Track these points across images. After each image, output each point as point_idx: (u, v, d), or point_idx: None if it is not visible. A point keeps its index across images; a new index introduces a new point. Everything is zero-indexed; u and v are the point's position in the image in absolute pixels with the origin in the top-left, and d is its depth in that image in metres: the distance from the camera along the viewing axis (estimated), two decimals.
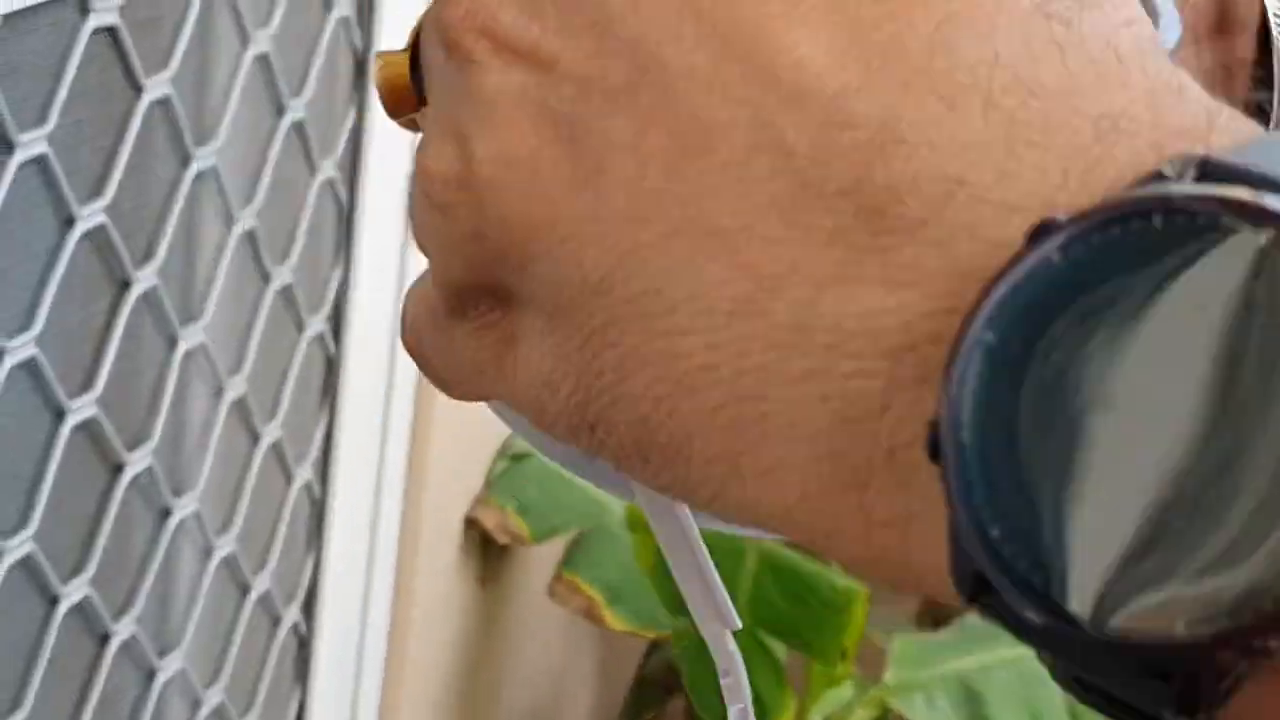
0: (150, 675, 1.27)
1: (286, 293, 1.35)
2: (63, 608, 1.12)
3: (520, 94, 0.35)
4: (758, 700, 1.58)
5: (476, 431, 1.75)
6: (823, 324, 0.32)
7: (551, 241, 0.35)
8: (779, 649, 1.57)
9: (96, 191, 1.07)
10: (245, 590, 1.40)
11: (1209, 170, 0.30)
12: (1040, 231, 0.30)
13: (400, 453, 1.59)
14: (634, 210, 0.34)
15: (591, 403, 0.36)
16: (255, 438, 1.36)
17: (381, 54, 0.41)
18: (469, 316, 0.38)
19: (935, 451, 0.30)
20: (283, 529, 1.43)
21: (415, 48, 0.40)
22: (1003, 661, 1.62)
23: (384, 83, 0.41)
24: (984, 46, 0.33)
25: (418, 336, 0.41)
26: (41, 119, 1.00)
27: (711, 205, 0.34)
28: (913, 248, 0.32)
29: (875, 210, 0.32)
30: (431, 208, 0.37)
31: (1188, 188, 0.29)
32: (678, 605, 1.58)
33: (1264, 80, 0.54)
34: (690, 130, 0.34)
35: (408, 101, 0.41)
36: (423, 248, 0.38)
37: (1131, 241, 0.30)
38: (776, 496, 0.34)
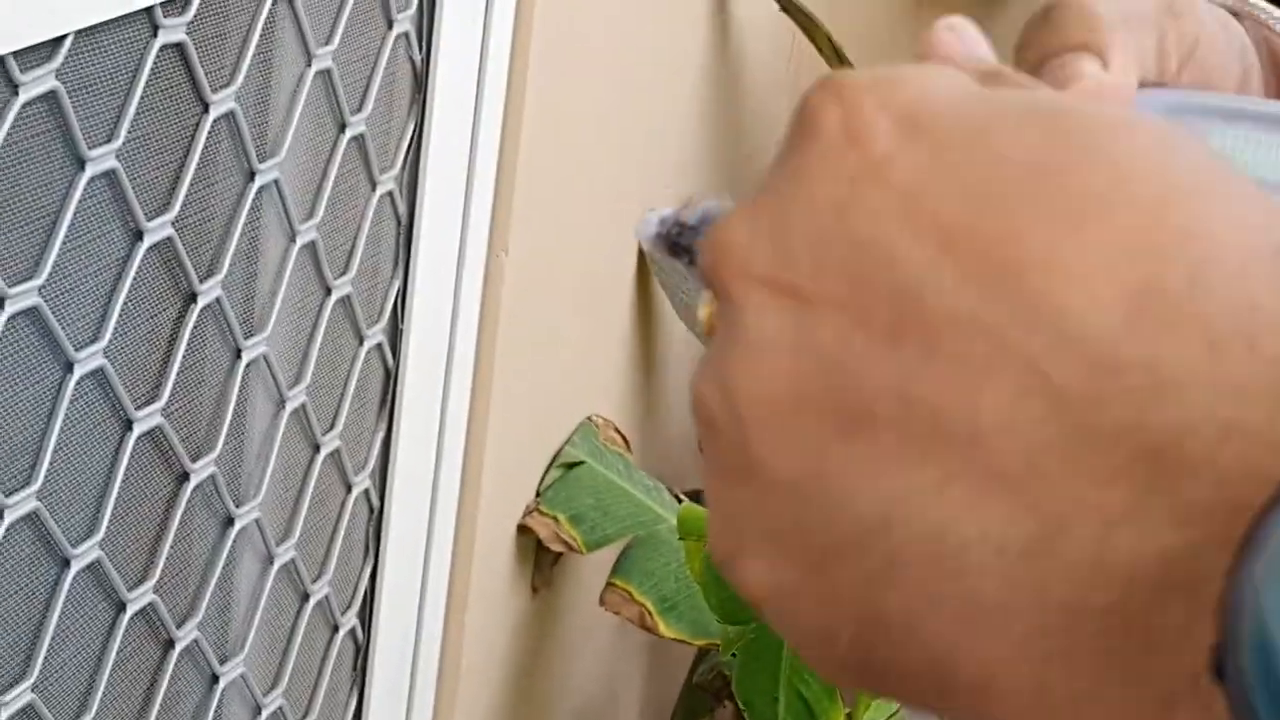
0: (213, 680, 1.29)
1: (346, 304, 1.37)
2: (129, 613, 1.14)
3: (779, 333, 0.37)
4: (807, 712, 1.59)
5: (530, 441, 1.77)
6: (1119, 560, 0.34)
7: (820, 484, 0.36)
8: None
9: (164, 205, 1.09)
10: (304, 597, 1.42)
11: None
12: None
13: (455, 462, 1.61)
14: (906, 454, 0.35)
15: (878, 647, 0.37)
16: (315, 447, 1.38)
17: (704, 298, 0.42)
18: (733, 558, 0.39)
19: (1219, 671, 0.32)
20: (341, 537, 1.45)
21: None
22: None
23: (706, 322, 0.42)
24: (1240, 290, 0.34)
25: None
26: (111, 134, 1.02)
27: (988, 449, 0.35)
28: (1195, 488, 0.33)
29: (1154, 451, 0.33)
30: (708, 441, 0.38)
31: None
32: (728, 614, 1.59)
33: None
34: (958, 375, 0.35)
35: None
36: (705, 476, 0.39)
37: None
38: None
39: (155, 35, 1.04)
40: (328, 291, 1.34)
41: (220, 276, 1.16)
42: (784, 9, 2.10)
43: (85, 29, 0.97)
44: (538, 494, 1.79)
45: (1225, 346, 0.34)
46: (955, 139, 0.37)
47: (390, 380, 1.48)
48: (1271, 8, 0.60)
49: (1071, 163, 0.36)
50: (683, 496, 1.85)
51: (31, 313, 0.98)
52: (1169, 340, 0.34)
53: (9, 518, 0.99)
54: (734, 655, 1.61)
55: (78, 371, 1.03)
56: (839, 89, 0.38)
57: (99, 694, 1.13)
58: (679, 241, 0.48)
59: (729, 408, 0.37)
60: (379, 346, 1.45)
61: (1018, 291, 0.35)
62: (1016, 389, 0.34)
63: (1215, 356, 0.34)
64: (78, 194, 0.99)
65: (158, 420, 1.13)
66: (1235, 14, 0.60)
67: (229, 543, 1.26)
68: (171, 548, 1.18)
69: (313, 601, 1.42)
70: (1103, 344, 0.34)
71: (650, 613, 1.74)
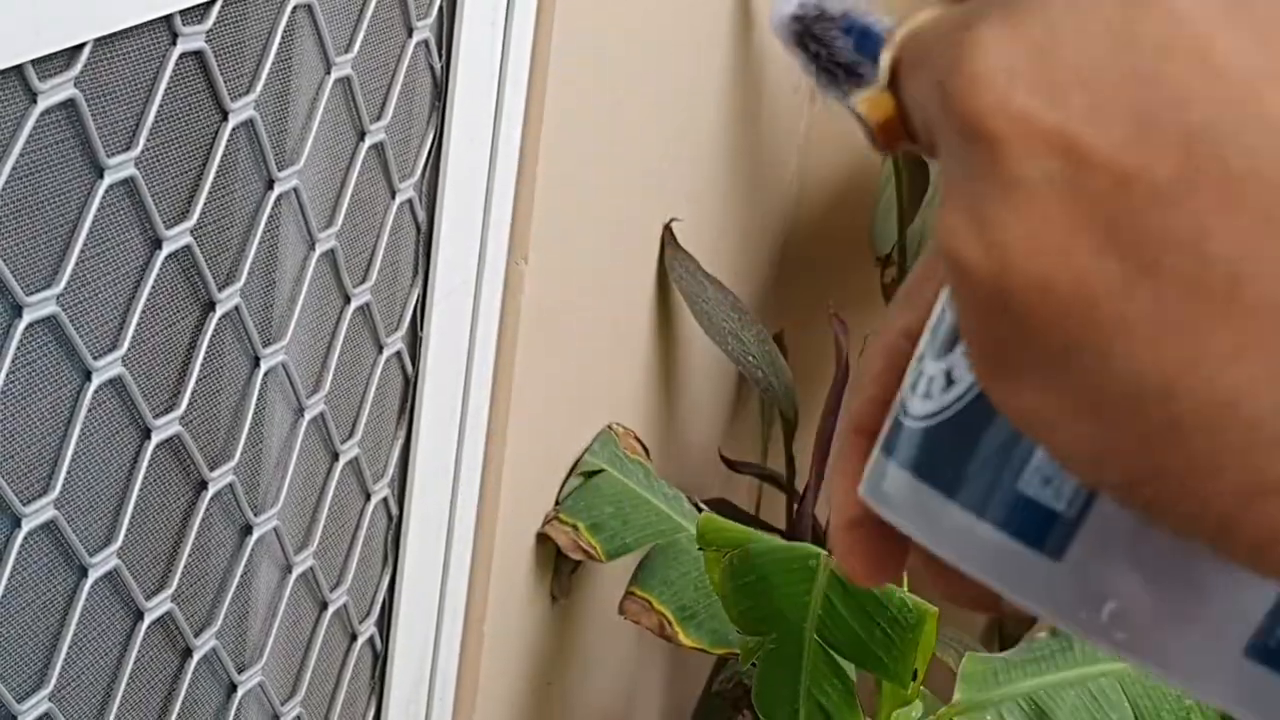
0: (231, 688, 1.29)
1: (365, 312, 1.37)
2: (146, 621, 1.14)
3: (1050, 181, 0.34)
4: None
5: (549, 449, 1.77)
6: None
7: (1098, 340, 0.34)
8: (850, 667, 1.58)
9: (182, 213, 1.09)
10: (323, 605, 1.41)
11: None
12: None
13: (474, 470, 1.60)
14: (1198, 317, 0.33)
15: (1159, 494, 0.35)
16: (334, 455, 1.38)
17: (860, 95, 0.40)
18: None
19: None
20: (359, 545, 1.45)
21: (894, 84, 0.39)
22: (1072, 680, 1.62)
23: (876, 124, 0.39)
24: None
25: None
26: (130, 142, 1.02)
27: None
28: None
29: None
30: (965, 292, 0.36)
31: None
32: (747, 624, 1.59)
33: None
34: (1264, 235, 0.33)
35: (900, 137, 0.40)
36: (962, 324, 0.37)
37: None
38: None
39: (174, 43, 1.04)
40: (347, 299, 1.34)
41: (239, 285, 1.16)
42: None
43: (104, 37, 0.97)
44: (557, 502, 1.79)
45: None
46: None
47: (409, 388, 1.48)
48: None
49: None
50: (702, 505, 1.84)
51: (50, 321, 0.98)
52: None
53: (26, 526, 0.99)
54: (753, 664, 1.60)
55: (96, 380, 1.03)
56: None
57: (116, 702, 1.12)
58: (813, 30, 0.45)
59: (995, 259, 0.34)
60: (398, 354, 1.45)
61: None
62: None
63: None
64: (96, 202, 0.99)
65: (176, 429, 1.12)
66: None
67: (247, 551, 1.26)
68: (189, 556, 1.18)
69: (331, 610, 1.42)
70: None
71: (670, 622, 1.74)
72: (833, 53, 0.44)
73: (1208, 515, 0.34)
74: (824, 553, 1.55)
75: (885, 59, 0.39)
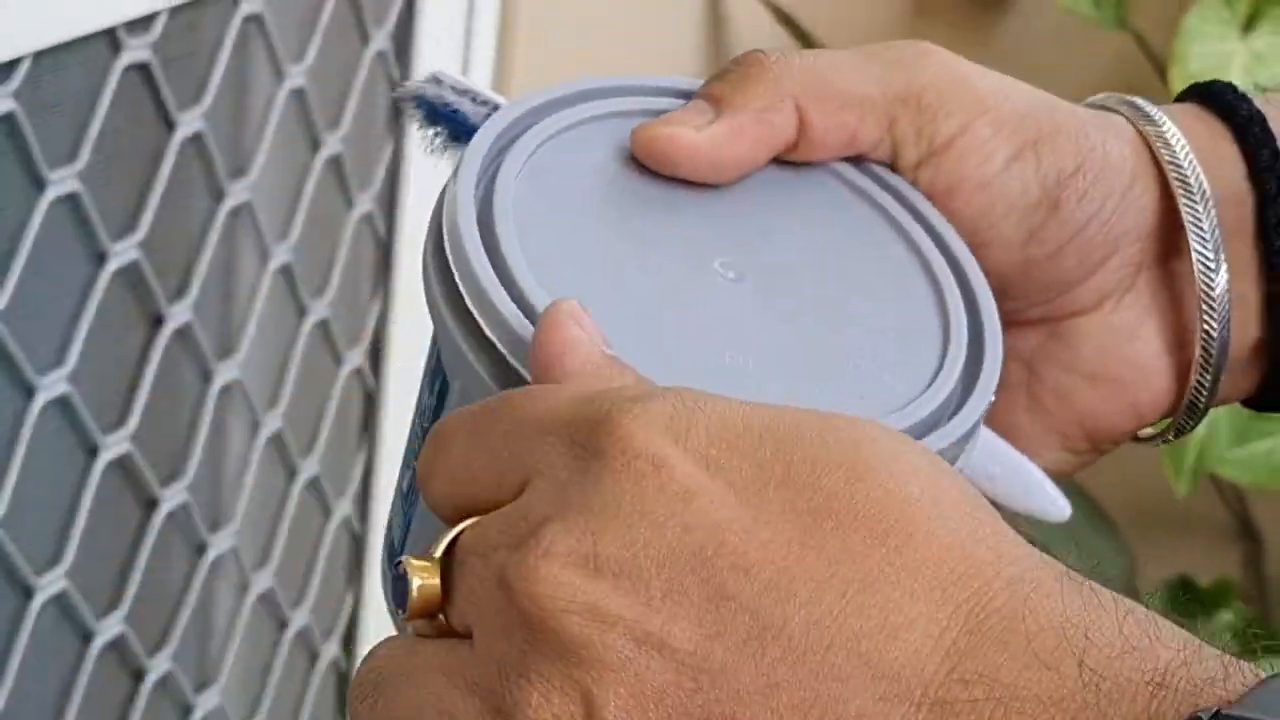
0: (187, 711, 1.27)
1: (324, 327, 1.35)
2: (97, 644, 1.12)
3: (638, 656, 0.38)
4: None
5: None
6: None
7: None
8: None
9: (129, 228, 1.07)
10: (283, 626, 1.39)
11: None
12: None
13: None
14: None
15: None
16: (293, 473, 1.36)
17: (413, 561, 0.42)
18: None
19: None
20: (321, 564, 1.43)
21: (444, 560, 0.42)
22: None
23: (422, 592, 0.42)
24: (1056, 607, 0.39)
25: None
26: (73, 156, 1.00)
27: None
28: None
29: None
30: None
31: None
32: None
33: None
34: (824, 688, 0.38)
35: (434, 606, 0.42)
36: None
37: None
38: None
39: (118, 55, 1.02)
40: (304, 314, 1.32)
41: (190, 299, 1.14)
42: (781, 20, 2.08)
43: (45, 49, 0.95)
44: None
45: (1056, 663, 0.37)
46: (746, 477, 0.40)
47: (371, 404, 1.46)
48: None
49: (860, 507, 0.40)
50: None
51: None
52: (1005, 657, 0.37)
53: None
54: None
55: (40, 398, 1.01)
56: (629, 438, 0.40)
57: None
58: (443, 108, 0.53)
59: None
60: (358, 370, 1.43)
61: (869, 600, 0.39)
62: (878, 696, 0.37)
63: (1047, 674, 0.37)
64: (38, 217, 0.97)
65: (126, 447, 1.10)
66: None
67: (203, 571, 1.24)
68: (143, 577, 1.16)
69: (292, 630, 1.40)
70: (952, 657, 0.37)
71: None
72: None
73: None
74: None
75: (447, 537, 0.42)
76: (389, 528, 0.56)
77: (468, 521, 0.42)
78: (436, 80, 0.55)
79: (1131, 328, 0.58)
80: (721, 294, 0.51)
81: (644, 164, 0.54)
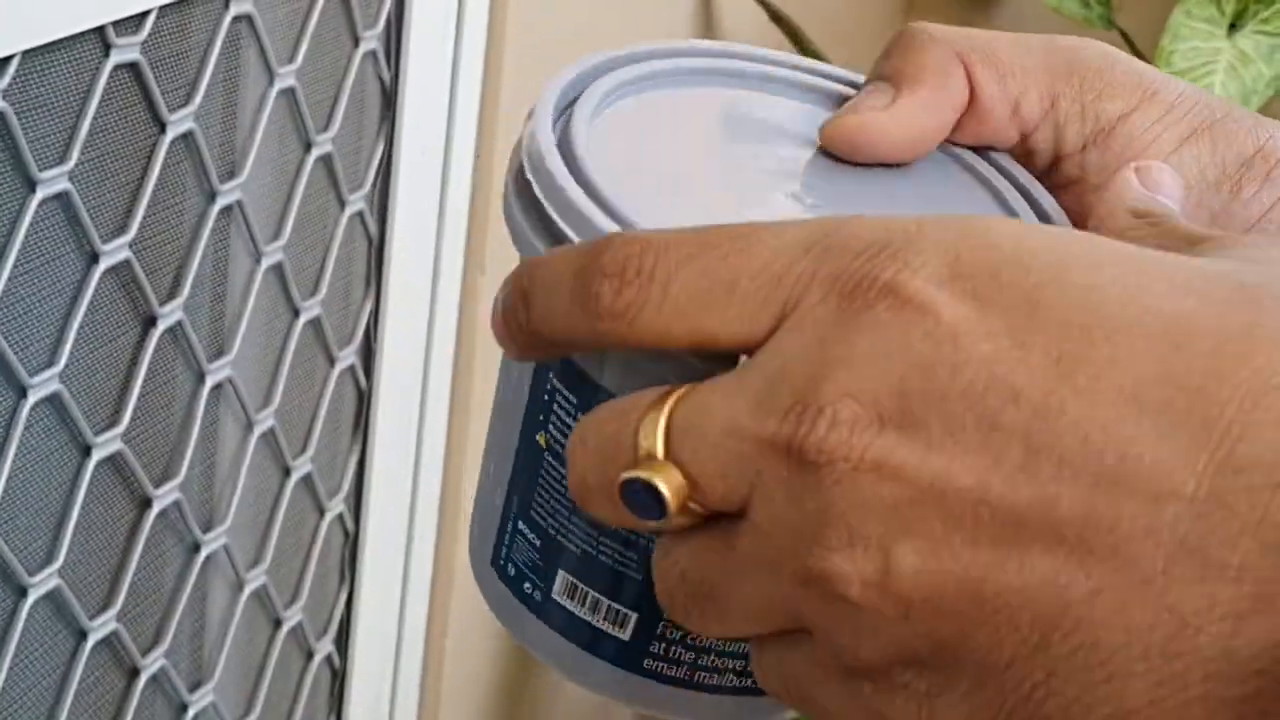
0: (181, 709, 1.27)
1: (316, 326, 1.36)
2: (90, 642, 1.12)
3: (908, 507, 0.39)
4: None
5: None
6: (1250, 652, 0.37)
7: (985, 615, 0.39)
8: None
9: (120, 227, 1.07)
10: (277, 623, 1.40)
11: None
12: None
13: (434, 484, 1.59)
14: (1059, 575, 0.38)
15: None
16: (286, 471, 1.36)
17: (639, 475, 0.42)
18: (876, 680, 0.41)
19: None
20: (315, 562, 1.43)
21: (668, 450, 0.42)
22: None
23: (674, 495, 0.42)
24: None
25: (802, 693, 0.43)
26: (63, 156, 1.00)
27: (1131, 558, 0.37)
28: None
29: (1277, 545, 0.36)
30: (844, 604, 0.40)
31: None
32: None
33: None
34: (1098, 492, 0.38)
35: (689, 502, 0.42)
36: (825, 629, 0.41)
37: None
38: None
39: (108, 55, 1.02)
40: (296, 313, 1.32)
41: (182, 299, 1.15)
42: (773, 19, 2.08)
43: (34, 48, 0.95)
44: None
45: None
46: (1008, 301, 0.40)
47: (364, 403, 1.47)
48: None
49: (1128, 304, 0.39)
50: None
51: None
52: None
53: None
54: None
55: (32, 397, 1.01)
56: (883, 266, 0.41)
57: None
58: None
59: (892, 581, 0.39)
60: (351, 369, 1.43)
61: (1138, 405, 0.38)
62: (1151, 496, 0.37)
63: None
64: (29, 217, 0.98)
65: (118, 446, 1.11)
66: None
67: (196, 569, 1.24)
68: (136, 575, 1.16)
69: (286, 628, 1.40)
70: (1225, 445, 0.37)
71: None
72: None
73: None
74: None
75: (660, 423, 0.42)
76: (489, 497, 0.55)
77: (672, 400, 0.42)
78: None
79: None
80: None
81: (839, 157, 0.54)
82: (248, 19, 1.17)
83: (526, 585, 0.49)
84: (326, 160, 1.32)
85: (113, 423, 1.11)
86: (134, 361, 1.12)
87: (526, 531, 0.50)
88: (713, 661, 0.48)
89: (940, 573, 0.39)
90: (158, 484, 1.17)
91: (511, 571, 0.50)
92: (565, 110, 0.53)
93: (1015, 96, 0.54)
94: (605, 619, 0.48)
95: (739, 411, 0.41)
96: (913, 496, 0.39)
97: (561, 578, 0.48)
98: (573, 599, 0.48)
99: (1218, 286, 0.39)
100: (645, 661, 0.48)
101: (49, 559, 1.07)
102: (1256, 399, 0.37)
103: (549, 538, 0.49)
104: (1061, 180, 0.56)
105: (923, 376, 0.39)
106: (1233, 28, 1.72)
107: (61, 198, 1.01)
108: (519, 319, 0.46)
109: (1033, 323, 0.39)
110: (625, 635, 0.48)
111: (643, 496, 0.41)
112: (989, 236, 0.40)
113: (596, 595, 0.48)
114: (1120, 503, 0.37)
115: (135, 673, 1.19)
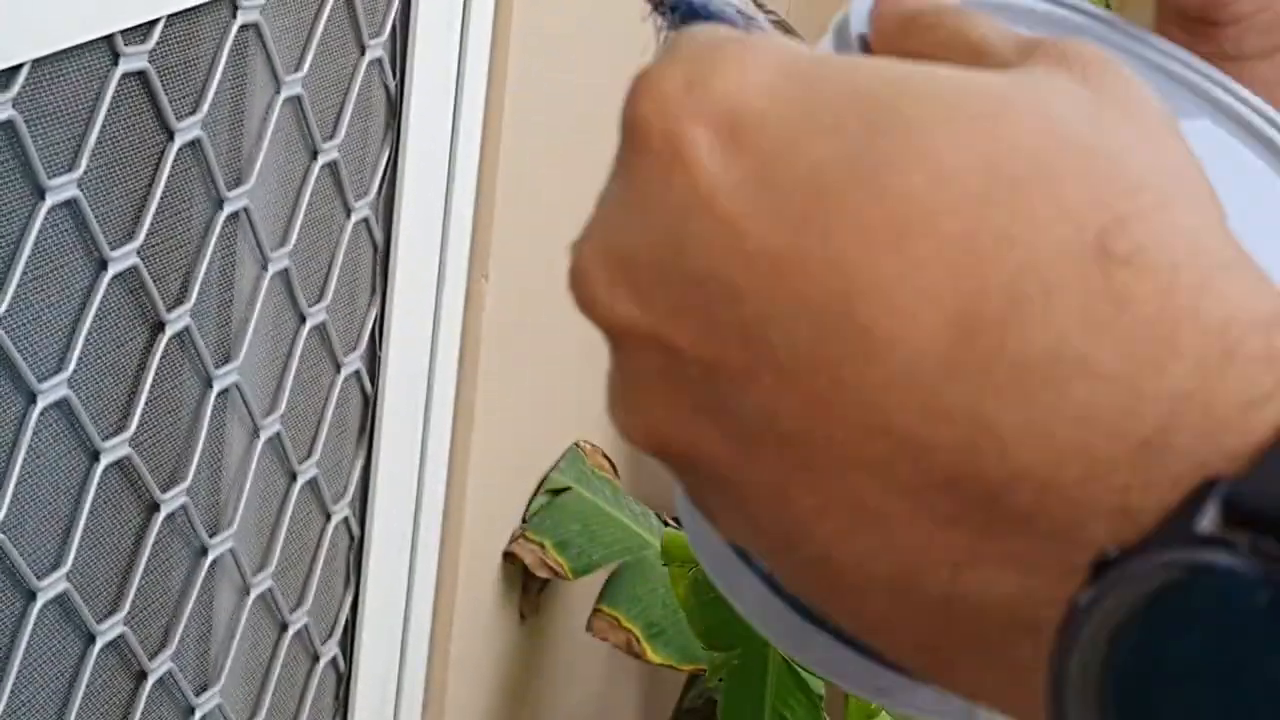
0: (189, 711, 1.28)
1: (322, 331, 1.37)
2: (98, 645, 1.13)
3: (659, 373, 0.37)
4: None
5: (515, 467, 1.76)
6: (969, 600, 0.35)
7: (728, 501, 0.37)
8: (816, 682, 1.57)
9: (128, 234, 1.08)
10: (283, 626, 1.41)
11: (1231, 511, 0.31)
12: (1100, 564, 0.32)
13: (438, 489, 1.60)
14: (789, 483, 0.36)
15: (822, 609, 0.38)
16: (292, 476, 1.37)
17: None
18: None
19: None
20: (320, 565, 1.44)
21: None
22: None
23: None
24: (1048, 329, 0.33)
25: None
26: (72, 164, 1.01)
27: (850, 483, 0.35)
28: (1027, 539, 0.34)
29: (986, 500, 0.34)
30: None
31: (1201, 555, 0.31)
32: (712, 639, 1.58)
33: None
34: (815, 411, 0.35)
35: None
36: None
37: (1164, 594, 0.32)
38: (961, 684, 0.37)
39: (116, 64, 1.03)
40: (302, 319, 1.33)
41: (189, 305, 1.16)
42: (776, 25, 2.09)
43: (43, 57, 0.96)
44: (524, 520, 1.78)
45: (1040, 397, 0.33)
46: (776, 147, 0.36)
47: (369, 408, 1.48)
48: None
49: (889, 161, 0.34)
50: (670, 521, 1.84)
51: None
52: (988, 388, 0.33)
53: None
54: (720, 680, 1.60)
55: (41, 402, 1.02)
56: (659, 98, 0.37)
57: None
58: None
59: (639, 438, 0.38)
60: (357, 374, 1.44)
61: (849, 323, 0.34)
62: (862, 427, 0.34)
63: (1029, 407, 0.33)
64: (38, 224, 0.99)
65: (125, 451, 1.12)
66: None
67: (202, 573, 1.25)
68: (143, 579, 1.17)
69: (291, 631, 1.41)
70: (929, 387, 0.34)
71: (638, 638, 1.73)
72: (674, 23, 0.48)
73: (860, 634, 0.38)
74: None
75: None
76: None
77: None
78: None
79: None
80: None
81: None
82: (255, 28, 1.18)
83: None
84: (332, 167, 1.33)
85: (120, 428, 1.12)
86: (142, 367, 1.13)
87: None
88: None
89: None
90: (165, 489, 1.18)
91: None
92: None
93: None
94: None
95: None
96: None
97: None
98: None
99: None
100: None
101: (58, 563, 1.08)
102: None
103: None
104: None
105: (662, 235, 0.37)
106: None
107: (70, 205, 1.02)
108: None
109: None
110: None
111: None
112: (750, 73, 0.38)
113: None
114: (830, 428, 0.35)
115: (143, 675, 1.20)
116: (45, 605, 1.07)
